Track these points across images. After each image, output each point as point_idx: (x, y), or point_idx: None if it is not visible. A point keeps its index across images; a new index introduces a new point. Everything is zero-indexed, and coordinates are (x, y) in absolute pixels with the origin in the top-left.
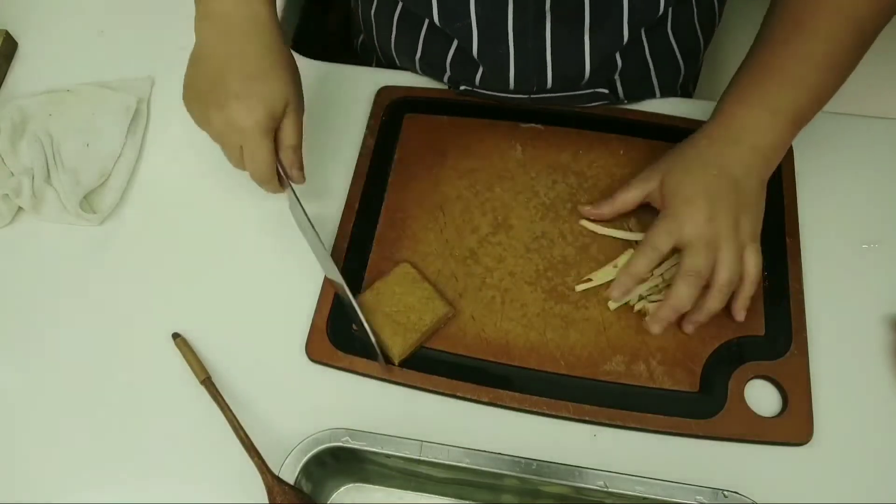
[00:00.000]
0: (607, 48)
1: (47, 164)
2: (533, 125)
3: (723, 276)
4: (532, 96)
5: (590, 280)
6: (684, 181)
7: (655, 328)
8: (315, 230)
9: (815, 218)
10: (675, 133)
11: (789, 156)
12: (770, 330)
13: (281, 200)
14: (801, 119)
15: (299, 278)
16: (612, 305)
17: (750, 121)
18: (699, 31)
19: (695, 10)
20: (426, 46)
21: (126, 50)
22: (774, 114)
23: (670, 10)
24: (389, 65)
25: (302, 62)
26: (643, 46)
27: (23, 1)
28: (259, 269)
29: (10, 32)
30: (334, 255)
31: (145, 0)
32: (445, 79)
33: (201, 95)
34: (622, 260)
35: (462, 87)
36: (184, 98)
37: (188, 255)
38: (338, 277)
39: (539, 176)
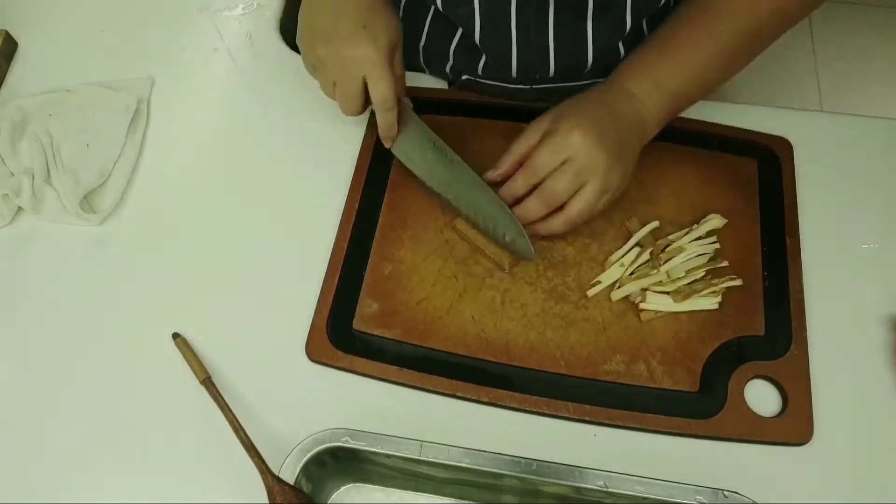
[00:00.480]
0: (610, 37)
1: (47, 164)
2: None
3: (575, 207)
4: (534, 86)
5: (599, 283)
6: (574, 111)
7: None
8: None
9: (815, 218)
10: (673, 132)
11: (789, 156)
12: (770, 330)
13: (281, 200)
14: (681, 97)
15: (299, 278)
16: (591, 293)
17: (638, 88)
18: None
19: None
20: (431, 34)
21: (126, 50)
22: (659, 88)
23: (671, 6)
24: None
25: (302, 62)
26: (644, 36)
27: (23, 1)
28: (259, 269)
29: (10, 32)
30: (334, 255)
31: (145, 0)
32: (448, 68)
33: (320, 32)
34: (628, 258)
35: (464, 77)
36: (301, 39)
37: (188, 255)
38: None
39: None
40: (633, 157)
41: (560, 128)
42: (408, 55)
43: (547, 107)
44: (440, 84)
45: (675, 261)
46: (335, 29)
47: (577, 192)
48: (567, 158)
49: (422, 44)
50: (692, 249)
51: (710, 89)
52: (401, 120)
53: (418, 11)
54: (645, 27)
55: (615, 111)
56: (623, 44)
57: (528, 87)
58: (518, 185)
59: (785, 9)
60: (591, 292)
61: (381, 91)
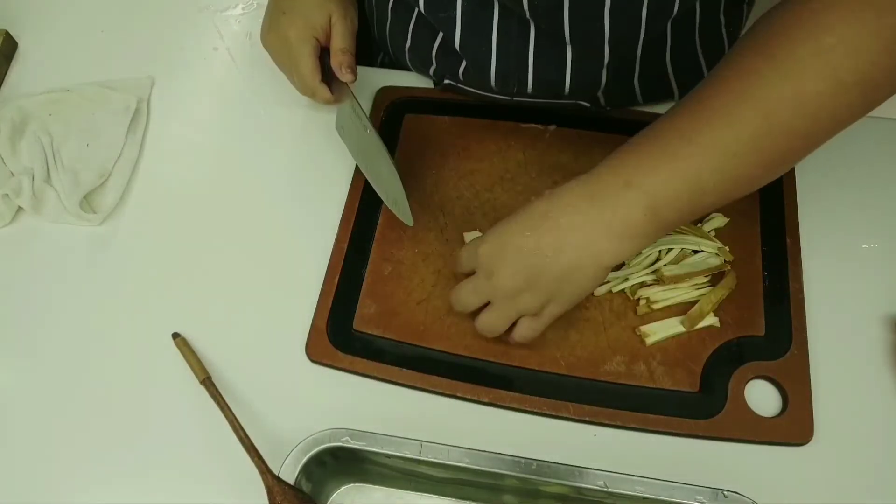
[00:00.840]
0: (589, 64)
1: (47, 164)
2: (535, 125)
3: (483, 318)
4: (514, 98)
5: (607, 281)
6: (502, 237)
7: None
8: (379, 137)
9: (815, 218)
10: None
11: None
12: (770, 330)
13: (281, 200)
14: (665, 211)
15: (299, 279)
16: (598, 292)
17: (607, 194)
18: (702, 60)
19: (697, 41)
20: (415, 36)
21: (126, 50)
22: (633, 198)
23: (668, 43)
24: (391, 61)
25: None
26: (634, 69)
27: (23, 1)
28: (259, 269)
29: (10, 32)
30: (334, 255)
31: (145, 0)
32: (431, 71)
33: (265, 22)
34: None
35: (446, 81)
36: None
37: (188, 255)
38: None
39: (539, 176)
40: (584, 280)
41: (481, 268)
42: (397, 54)
43: (547, 108)
44: (430, 80)
45: (666, 259)
46: (270, 17)
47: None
48: (490, 300)
49: (407, 45)
50: (697, 260)
51: (707, 207)
52: (342, 93)
53: (403, 13)
54: (637, 61)
55: (557, 227)
56: (606, 73)
57: (507, 98)
58: (461, 302)
59: (815, 101)
60: (597, 292)
61: (298, 78)
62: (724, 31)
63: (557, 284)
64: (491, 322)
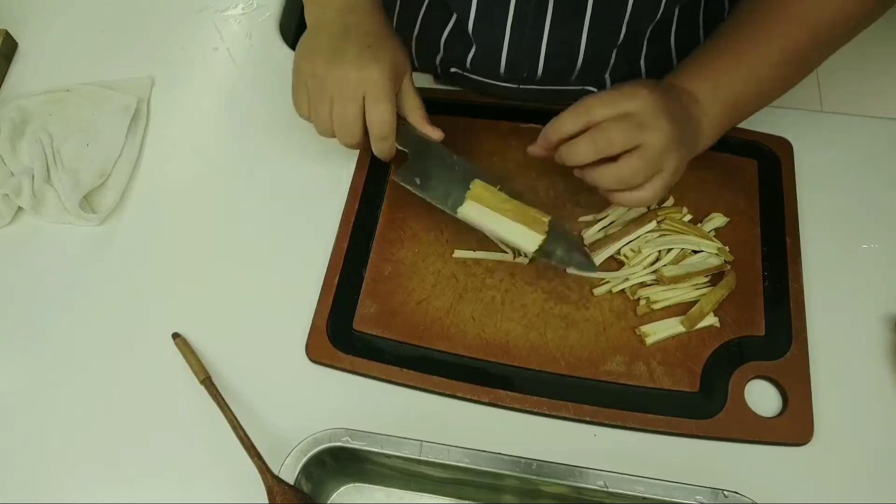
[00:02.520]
0: (602, 45)
1: (47, 164)
2: (535, 126)
3: (636, 197)
4: (521, 86)
5: (606, 281)
6: (642, 82)
7: (535, 149)
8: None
9: (815, 218)
10: None
11: (789, 156)
12: (770, 330)
13: (281, 200)
14: (740, 104)
15: (299, 279)
16: (598, 291)
17: (695, 88)
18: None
19: (701, 21)
20: (424, 23)
21: (126, 50)
22: (717, 89)
23: (674, 22)
24: None
25: None
26: (640, 50)
27: (23, 1)
28: (259, 269)
29: (10, 32)
30: (334, 255)
31: (145, 0)
32: (438, 60)
33: (322, 51)
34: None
35: (452, 70)
36: (299, 56)
37: (188, 255)
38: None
39: (539, 176)
40: (687, 154)
41: (623, 86)
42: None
43: (547, 108)
44: (431, 82)
45: (667, 258)
46: (338, 49)
47: (632, 149)
48: (628, 112)
49: (415, 33)
50: (696, 260)
51: (768, 100)
52: (419, 149)
53: (413, 1)
54: (645, 42)
55: (679, 101)
56: (616, 53)
57: (514, 86)
58: (584, 152)
59: (847, 16)
60: (597, 291)
61: (379, 114)
62: (726, 10)
63: (680, 131)
64: (611, 130)
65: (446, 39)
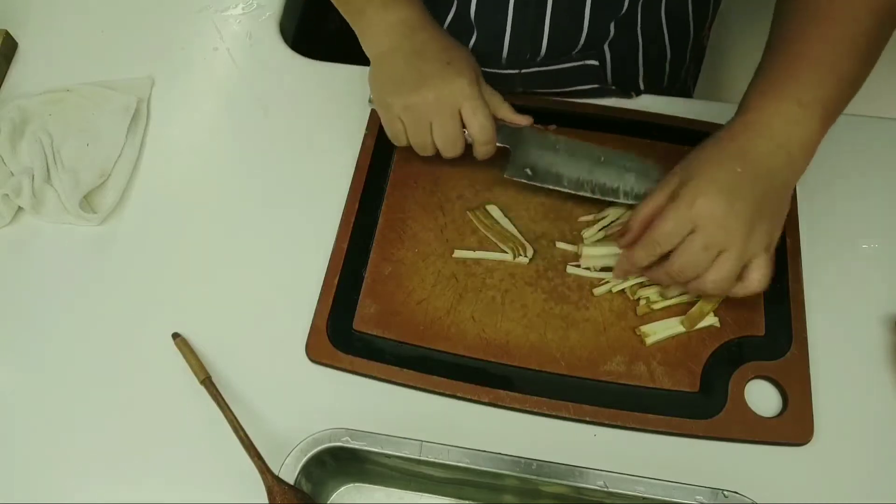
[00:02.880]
0: (606, 15)
1: (47, 164)
2: (535, 126)
3: (709, 280)
4: (523, 71)
5: (606, 281)
6: (702, 171)
7: (618, 273)
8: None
9: (815, 218)
10: (675, 133)
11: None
12: (770, 330)
13: (280, 200)
14: (831, 111)
15: (299, 279)
16: (598, 291)
17: (777, 115)
18: (691, 17)
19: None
20: None
21: (126, 50)
22: (803, 106)
23: None
24: None
25: (302, 62)
26: (636, 19)
27: (23, 1)
28: (259, 269)
29: (10, 32)
30: (334, 255)
31: (145, 0)
32: None
33: (402, 79)
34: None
35: None
36: (378, 95)
37: (188, 255)
38: None
39: None
40: (780, 204)
41: (685, 194)
42: None
43: (547, 108)
44: None
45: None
46: (420, 73)
47: (714, 261)
48: (694, 229)
49: None
50: None
51: (854, 92)
52: (517, 140)
53: None
54: (639, 12)
55: (752, 159)
56: (614, 25)
57: (516, 71)
58: (640, 256)
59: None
60: (597, 291)
61: (480, 121)
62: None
63: (758, 206)
64: (681, 260)
65: (447, 27)
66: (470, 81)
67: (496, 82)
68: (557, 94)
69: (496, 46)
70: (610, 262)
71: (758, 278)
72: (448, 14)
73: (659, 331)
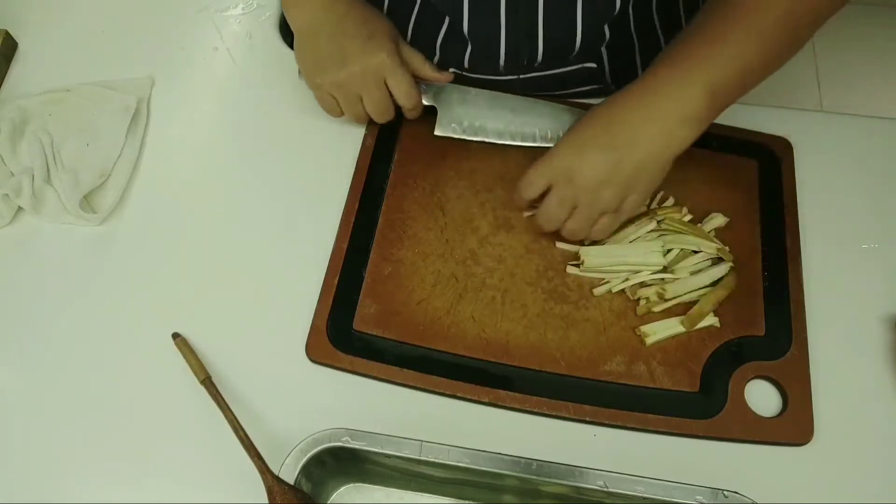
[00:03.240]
0: (599, 17)
1: (47, 164)
2: None
3: (566, 230)
4: (521, 76)
5: (606, 281)
6: (573, 129)
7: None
8: None
9: (815, 218)
10: None
11: (789, 156)
12: (770, 330)
13: (280, 200)
14: (722, 93)
15: (299, 279)
16: (598, 292)
17: (659, 90)
18: (682, 9)
19: None
20: (416, 29)
21: (126, 50)
22: (690, 84)
23: None
24: None
25: None
26: (629, 19)
27: (23, 1)
28: (259, 269)
29: (10, 32)
30: (334, 255)
31: (145, 0)
32: (434, 62)
33: (327, 57)
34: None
35: (451, 71)
36: (307, 74)
37: (188, 255)
38: None
39: None
40: (641, 173)
41: (561, 175)
42: None
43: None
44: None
45: (680, 285)
46: (343, 50)
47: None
48: (575, 206)
49: (408, 39)
50: (696, 261)
51: (756, 78)
52: (441, 98)
53: (403, 7)
54: (630, 10)
55: (618, 124)
56: (608, 26)
57: (515, 77)
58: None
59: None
60: (597, 291)
61: (404, 90)
62: None
63: (635, 176)
64: (577, 227)
65: (442, 41)
66: (390, 53)
67: (497, 88)
68: (559, 96)
69: (492, 54)
70: (612, 265)
71: (599, 229)
72: (441, 27)
73: (659, 331)
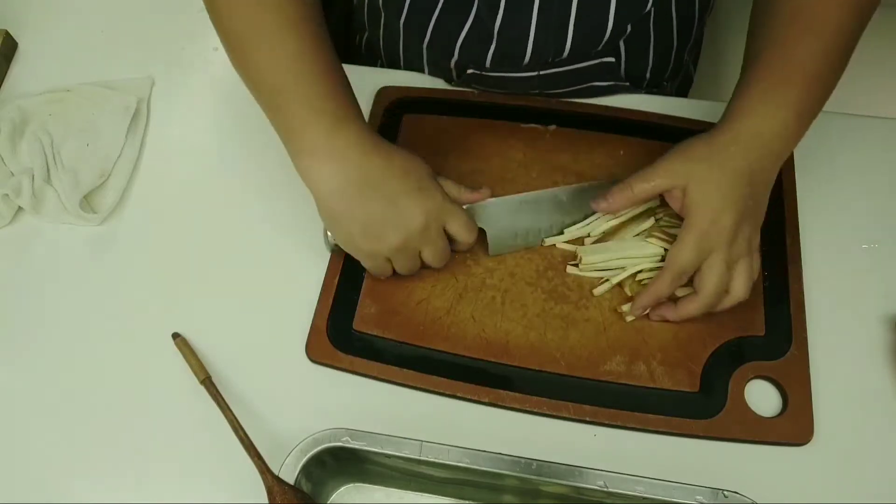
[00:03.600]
0: (630, 13)
1: (47, 164)
2: (535, 126)
3: (708, 285)
4: (541, 73)
5: (607, 281)
6: (711, 193)
7: (632, 315)
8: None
9: (815, 218)
10: (674, 133)
11: (789, 156)
12: (770, 330)
13: (281, 200)
14: (812, 113)
15: (300, 278)
16: (598, 291)
17: (765, 119)
18: (697, 6)
19: None
20: (436, 29)
21: (126, 50)
22: (786, 109)
23: None
24: (391, 61)
25: None
26: (650, 14)
27: (23, 1)
28: (259, 268)
29: (10, 32)
30: (334, 255)
31: (145, 0)
32: (452, 63)
33: (381, 223)
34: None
35: (469, 72)
36: (348, 241)
37: (188, 255)
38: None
39: (539, 177)
40: (764, 198)
41: (697, 216)
42: (411, 57)
43: (547, 108)
44: (441, 83)
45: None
46: (399, 211)
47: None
48: (712, 249)
49: (426, 41)
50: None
51: (832, 88)
52: (487, 215)
53: (424, 9)
54: (653, 6)
55: (748, 172)
56: (631, 25)
57: (535, 73)
58: (664, 289)
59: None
60: (597, 291)
61: (463, 224)
62: None
63: (756, 205)
64: (717, 278)
65: (463, 41)
66: (443, 196)
67: (514, 84)
68: (570, 94)
69: (518, 51)
70: (610, 261)
71: (743, 281)
72: (464, 26)
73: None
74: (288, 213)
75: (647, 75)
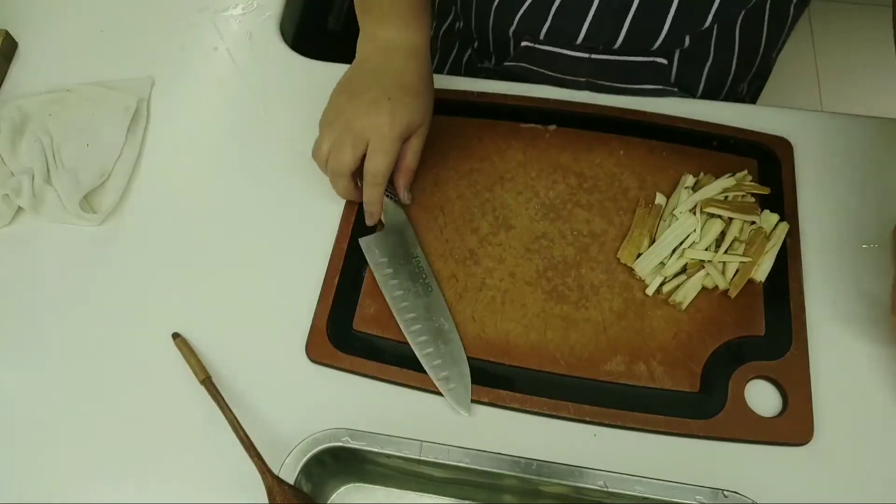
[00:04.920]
0: (687, 25)
1: (47, 163)
2: (535, 126)
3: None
4: (593, 56)
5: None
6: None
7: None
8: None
9: (815, 218)
10: (675, 133)
11: (789, 156)
12: (770, 330)
13: (281, 200)
14: None
15: (299, 279)
16: (650, 291)
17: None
18: (763, 41)
19: (766, 18)
20: None
21: (126, 50)
22: None
23: (742, 13)
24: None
25: (302, 62)
26: (712, 34)
27: (23, 1)
28: (259, 269)
29: (10, 32)
30: (334, 255)
31: (145, 0)
32: (511, 32)
33: (354, 91)
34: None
35: (524, 44)
36: (334, 93)
37: (188, 255)
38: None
39: (539, 176)
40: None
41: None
42: (479, 18)
43: (547, 109)
44: (437, 84)
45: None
46: (364, 90)
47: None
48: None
49: (494, 5)
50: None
51: None
52: (387, 215)
53: None
54: (716, 27)
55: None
56: (690, 37)
57: (587, 55)
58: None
59: None
60: (650, 290)
61: (377, 163)
62: (790, 15)
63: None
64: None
65: (524, 12)
66: (392, 125)
67: (565, 63)
68: (617, 91)
69: (574, 28)
70: (661, 259)
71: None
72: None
73: (689, 292)
74: (288, 212)
75: (699, 92)
